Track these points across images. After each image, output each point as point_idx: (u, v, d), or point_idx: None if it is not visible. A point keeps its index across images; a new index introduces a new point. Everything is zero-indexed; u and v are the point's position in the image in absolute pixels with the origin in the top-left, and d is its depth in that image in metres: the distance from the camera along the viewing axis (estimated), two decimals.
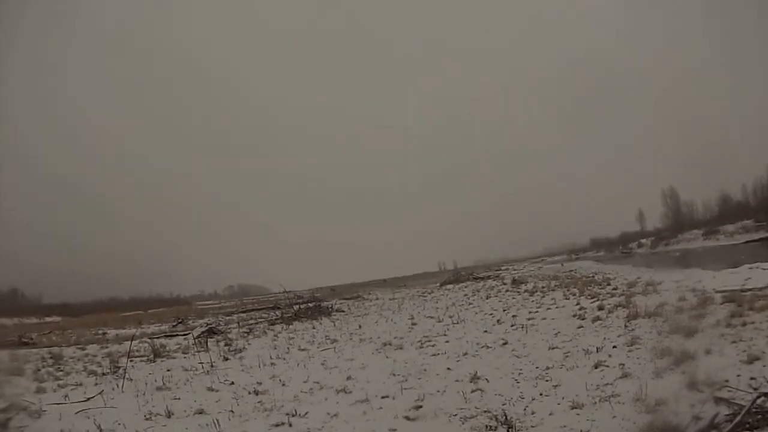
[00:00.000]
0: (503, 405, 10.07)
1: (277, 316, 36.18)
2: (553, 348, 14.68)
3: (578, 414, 9.02)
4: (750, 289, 17.79)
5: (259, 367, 17.19)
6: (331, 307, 39.16)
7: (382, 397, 11.78)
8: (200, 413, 11.80)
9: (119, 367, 17.61)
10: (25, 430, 11.16)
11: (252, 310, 49.54)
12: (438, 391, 11.79)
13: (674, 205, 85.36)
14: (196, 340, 24.89)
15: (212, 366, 17.61)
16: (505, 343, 16.49)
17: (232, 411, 11.73)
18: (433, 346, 17.98)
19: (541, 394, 10.57)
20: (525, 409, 9.72)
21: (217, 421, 10.89)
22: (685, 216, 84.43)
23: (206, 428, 10.60)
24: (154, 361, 19.85)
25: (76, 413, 12.33)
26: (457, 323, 22.96)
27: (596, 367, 11.75)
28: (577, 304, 22.13)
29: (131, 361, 19.00)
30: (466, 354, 15.78)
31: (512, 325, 19.94)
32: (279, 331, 28.07)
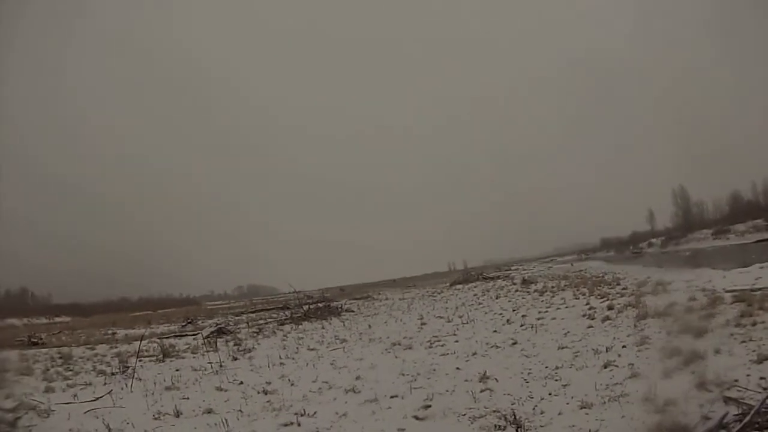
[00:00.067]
0: (512, 404, 10.05)
1: (286, 316, 36.16)
2: (563, 348, 14.66)
3: (587, 414, 8.99)
4: (760, 289, 17.72)
5: (268, 366, 17.19)
6: (341, 307, 39.12)
7: (391, 397, 11.76)
8: (209, 413, 11.79)
9: (128, 367, 17.63)
10: (34, 429, 11.18)
11: (261, 310, 49.56)
12: (447, 391, 11.77)
13: (684, 204, 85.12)
14: (206, 340, 24.91)
15: (221, 366, 17.62)
16: (515, 343, 16.47)
17: (240, 410, 11.74)
18: (442, 345, 17.97)
19: (550, 394, 10.55)
20: (534, 409, 9.70)
21: (226, 420, 10.90)
22: (696, 215, 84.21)
23: (215, 428, 10.61)
24: (163, 361, 19.87)
25: (84, 413, 12.34)
26: (467, 323, 22.93)
27: (606, 367, 11.71)
28: (587, 303, 22.09)
29: (140, 360, 19.04)
30: (475, 354, 15.76)
31: (522, 325, 19.92)
32: (288, 331, 28.07)
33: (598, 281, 32.10)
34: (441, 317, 26.77)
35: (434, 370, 14.27)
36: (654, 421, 7.93)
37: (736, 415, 7.28)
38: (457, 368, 14.07)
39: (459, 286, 51.34)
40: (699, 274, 25.36)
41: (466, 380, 12.52)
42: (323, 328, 28.77)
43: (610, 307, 19.53)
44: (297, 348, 21.19)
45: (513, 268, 78.69)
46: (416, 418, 10.16)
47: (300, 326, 30.47)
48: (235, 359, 19.27)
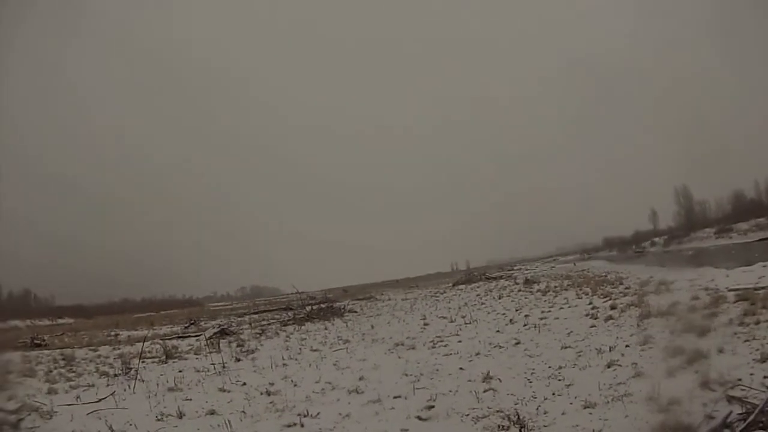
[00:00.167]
0: (516, 404, 10.05)
1: (289, 317, 36.11)
2: (566, 347, 14.65)
3: (591, 413, 8.98)
4: (763, 288, 17.72)
5: (271, 367, 17.21)
6: (344, 308, 39.10)
7: (395, 397, 11.76)
8: (212, 414, 11.81)
9: (131, 369, 17.70)
10: (37, 430, 11.22)
11: (264, 311, 49.60)
12: (450, 391, 11.76)
13: (687, 203, 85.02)
14: (208, 341, 24.96)
15: (224, 367, 17.61)
16: (518, 343, 16.47)
17: (243, 412, 11.75)
18: (445, 346, 17.97)
19: (553, 394, 10.53)
20: (537, 409, 9.69)
21: (229, 421, 10.89)
22: (698, 214, 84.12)
23: (218, 429, 10.61)
24: (166, 362, 19.91)
25: (87, 414, 12.39)
26: (470, 323, 22.92)
27: (609, 367, 11.70)
28: (590, 303, 22.13)
29: (143, 362, 19.07)
30: (478, 354, 15.76)
31: (525, 325, 19.90)
32: (291, 332, 28.06)
33: (600, 281, 32.19)
34: (444, 317, 26.75)
35: (437, 370, 14.27)
36: (657, 420, 7.91)
37: (740, 414, 7.27)
38: (461, 368, 14.06)
39: (462, 287, 51.35)
40: (702, 273, 25.33)
41: (470, 380, 12.52)
42: (326, 328, 28.77)
43: (613, 307, 19.54)
44: (300, 349, 21.20)
45: (515, 267, 78.79)
46: (419, 418, 10.16)
47: (303, 327, 30.45)
48: (238, 360, 19.29)
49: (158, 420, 11.64)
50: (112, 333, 38.89)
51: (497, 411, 9.76)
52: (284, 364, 17.67)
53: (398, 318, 30.27)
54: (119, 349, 25.26)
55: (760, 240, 57.17)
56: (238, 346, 23.16)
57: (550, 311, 22.38)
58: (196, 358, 20.52)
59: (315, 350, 20.52)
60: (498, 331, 19.68)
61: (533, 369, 12.86)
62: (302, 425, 10.42)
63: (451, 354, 16.40)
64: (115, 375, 17.55)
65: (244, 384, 14.93)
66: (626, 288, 25.32)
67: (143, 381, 16.18)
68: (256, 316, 44.27)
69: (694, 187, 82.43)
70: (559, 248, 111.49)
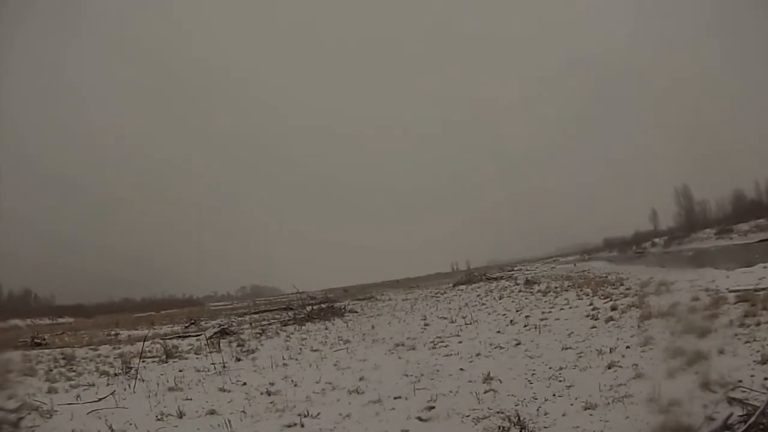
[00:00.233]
0: (516, 405, 10.06)
1: (289, 316, 36.11)
2: (567, 348, 14.66)
3: (591, 414, 8.99)
4: (764, 289, 17.74)
5: (272, 367, 17.23)
6: (344, 308, 39.11)
7: (395, 398, 11.78)
8: (212, 414, 11.84)
9: (131, 368, 17.74)
10: (37, 430, 11.23)
11: (265, 311, 49.57)
12: (451, 392, 11.77)
13: (687, 203, 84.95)
14: (209, 341, 24.97)
15: (224, 367, 17.64)
16: (518, 344, 16.48)
17: (244, 411, 11.77)
18: (445, 346, 17.98)
19: (554, 395, 10.54)
20: (538, 410, 9.70)
21: (229, 421, 10.90)
22: (699, 215, 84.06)
23: (218, 429, 10.63)
24: (166, 362, 19.94)
25: (87, 413, 12.42)
26: (470, 324, 22.91)
27: (609, 368, 11.70)
28: (591, 304, 22.12)
29: (143, 361, 19.10)
30: (479, 354, 15.77)
31: (525, 326, 19.90)
32: (291, 332, 28.09)
33: (601, 281, 32.20)
34: (444, 318, 26.78)
35: (438, 371, 14.27)
36: (658, 421, 7.92)
37: (741, 415, 7.27)
38: (461, 369, 14.08)
39: (462, 287, 51.36)
40: (702, 274, 25.34)
41: (470, 381, 12.53)
42: (326, 328, 28.78)
43: (613, 308, 19.55)
44: (300, 349, 21.22)
45: (516, 268, 78.82)
46: (420, 419, 10.17)
47: (303, 327, 30.48)
48: (239, 360, 19.31)
49: (158, 420, 11.67)
50: (113, 332, 38.91)
51: (498, 412, 9.76)
52: (285, 364, 17.69)
53: (399, 318, 30.27)
54: (119, 348, 25.29)
55: (761, 241, 57.12)
56: (238, 345, 23.18)
57: (550, 312, 22.38)
58: (197, 358, 20.55)
59: (315, 350, 20.54)
60: (498, 331, 19.68)
61: (534, 370, 12.87)
62: (302, 425, 10.43)
63: (451, 354, 16.41)
64: (116, 374, 17.58)
65: (245, 384, 14.95)
66: (627, 289, 25.32)
67: (143, 380, 16.22)
68: (256, 315, 44.26)
69: (694, 187, 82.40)
70: (559, 249, 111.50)
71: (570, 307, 22.75)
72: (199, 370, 17.70)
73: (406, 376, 14.03)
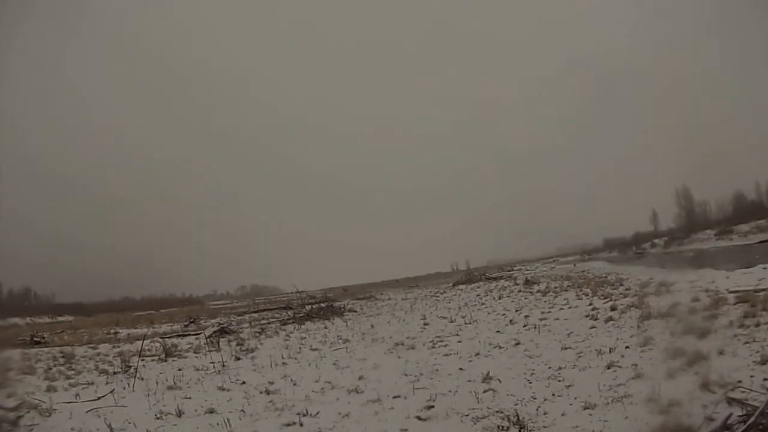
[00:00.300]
0: (515, 405, 10.08)
1: (289, 316, 36.12)
2: (566, 348, 14.68)
3: (590, 414, 9.00)
4: (764, 289, 17.73)
5: (271, 366, 17.22)
6: (344, 307, 39.13)
7: (394, 397, 11.78)
8: (211, 412, 11.83)
9: (130, 367, 17.72)
10: (36, 428, 11.22)
11: (264, 310, 49.51)
12: (450, 391, 11.78)
13: (687, 204, 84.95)
14: (208, 340, 24.98)
15: (224, 365, 17.66)
16: (518, 344, 16.49)
17: (243, 410, 11.77)
18: (445, 346, 17.99)
19: (553, 395, 10.55)
20: (537, 410, 9.71)
21: (228, 420, 10.91)
22: (699, 216, 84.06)
23: (217, 428, 10.63)
24: (166, 361, 19.92)
25: (86, 412, 12.41)
26: (470, 323, 22.95)
27: (609, 368, 11.71)
28: (590, 304, 22.15)
29: (142, 360, 19.09)
30: (478, 354, 15.78)
31: (525, 326, 19.93)
32: (291, 331, 28.09)
33: (600, 282, 32.24)
34: (444, 317, 26.79)
35: (437, 370, 14.28)
36: (658, 422, 7.92)
37: (740, 416, 7.28)
38: (460, 369, 14.08)
39: (462, 287, 51.40)
40: (702, 274, 25.34)
41: (469, 381, 12.54)
42: (326, 328, 28.78)
43: (613, 308, 19.58)
44: (300, 348, 21.22)
45: (516, 268, 78.89)
46: (419, 418, 10.18)
47: (303, 326, 30.48)
48: (238, 359, 19.31)
49: (157, 418, 11.66)
50: (112, 331, 38.87)
51: (497, 411, 9.78)
52: (284, 363, 17.69)
53: (398, 318, 30.29)
54: (119, 347, 25.24)
55: (761, 242, 57.16)
56: (237, 344, 23.17)
57: (550, 312, 22.42)
58: (196, 357, 20.54)
59: (315, 349, 20.54)
60: (498, 331, 19.70)
61: (533, 370, 12.88)
62: (301, 424, 10.44)
63: (450, 354, 16.42)
64: (115, 373, 17.57)
65: (244, 383, 14.95)
66: (626, 289, 25.34)
67: (143, 379, 16.22)
68: (255, 314, 44.11)
69: (695, 187, 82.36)
70: (559, 249, 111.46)
71: (569, 307, 22.78)
72: (198, 369, 17.70)
73: (406, 375, 14.03)
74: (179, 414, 11.77)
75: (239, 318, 41.29)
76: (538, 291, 33.23)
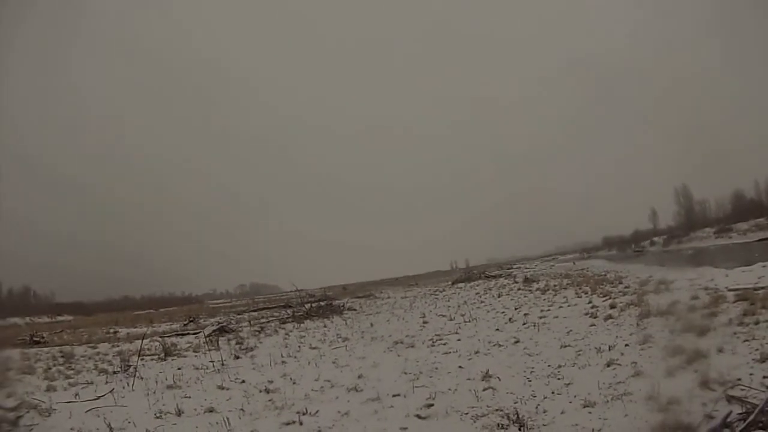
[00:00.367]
0: (515, 403, 10.07)
1: (288, 314, 36.13)
2: (565, 346, 14.68)
3: (590, 412, 9.00)
4: (763, 288, 17.73)
5: (270, 365, 17.21)
6: (343, 306, 39.20)
7: (394, 396, 11.77)
8: (210, 412, 11.81)
9: (130, 366, 17.69)
10: (36, 428, 11.21)
11: (263, 308, 49.49)
12: (449, 390, 11.78)
13: (687, 203, 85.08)
14: (207, 339, 24.94)
15: (223, 364, 17.66)
16: (517, 342, 16.51)
17: (242, 409, 11.75)
18: (444, 344, 17.99)
19: (552, 393, 10.55)
20: (537, 408, 9.70)
21: (228, 419, 10.91)
22: (698, 214, 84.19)
23: (216, 427, 10.60)
24: (165, 360, 19.90)
25: (86, 411, 12.41)
26: (469, 321, 22.98)
27: (608, 366, 11.73)
28: (589, 302, 22.19)
29: (142, 359, 19.08)
30: (477, 352, 15.78)
31: (524, 324, 19.96)
32: (290, 330, 28.08)
33: (600, 280, 32.25)
34: (443, 316, 26.84)
35: (436, 368, 14.28)
36: (657, 419, 7.92)
37: (740, 414, 7.28)
38: (460, 367, 14.09)
39: (461, 285, 51.49)
40: (701, 272, 25.39)
41: (469, 379, 12.54)
42: (325, 326, 28.79)
43: (612, 306, 19.60)
44: (299, 346, 21.22)
45: (515, 266, 79.02)
46: (419, 416, 10.17)
47: (302, 325, 30.50)
48: (237, 358, 19.31)
49: (157, 418, 11.65)
50: (112, 330, 38.88)
51: (496, 410, 9.79)
52: (283, 362, 17.68)
53: (398, 316, 30.33)
54: (118, 346, 25.21)
55: (760, 240, 57.29)
56: (237, 343, 23.15)
57: (549, 310, 22.46)
58: (195, 356, 20.51)
59: (314, 348, 20.53)
60: (497, 329, 19.74)
61: (532, 368, 12.89)
62: (301, 423, 10.43)
63: (450, 352, 16.42)
64: (114, 372, 17.56)
65: (243, 382, 14.94)
66: (626, 287, 25.33)
67: (142, 378, 16.20)
68: (255, 313, 44.08)
69: (695, 187, 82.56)
70: (558, 247, 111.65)
71: (569, 305, 22.79)
72: (197, 368, 17.68)
73: (405, 373, 14.02)
74: (179, 413, 11.77)
75: (239, 317, 41.22)
76: (538, 289, 33.24)
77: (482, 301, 32.31)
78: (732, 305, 15.71)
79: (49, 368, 19.23)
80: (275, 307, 46.64)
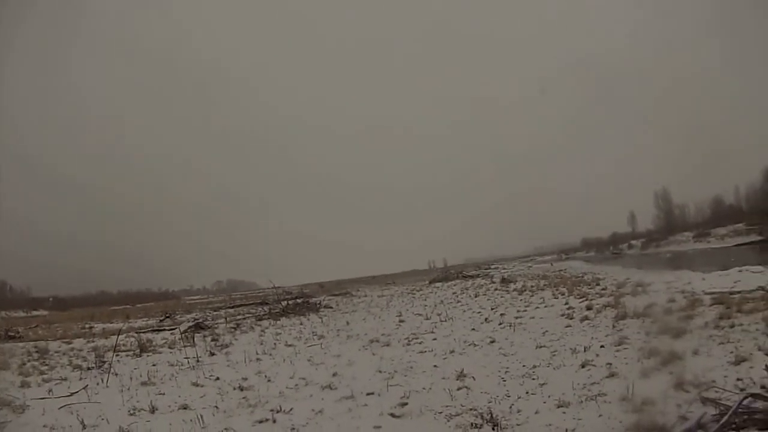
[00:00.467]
0: (489, 403, 10.03)
1: (264, 311, 36.05)
2: (541, 347, 14.68)
3: (564, 413, 8.98)
4: (739, 292, 17.83)
5: (245, 362, 17.17)
6: (319, 304, 39.38)
7: (368, 394, 11.74)
8: (185, 409, 11.73)
9: (104, 362, 17.59)
10: (9, 425, 11.11)
11: (240, 305, 49.59)
12: (424, 389, 11.76)
13: (666, 206, 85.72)
14: (183, 335, 24.82)
15: (198, 361, 17.57)
16: (493, 342, 16.50)
17: (216, 407, 11.70)
18: (420, 343, 18.01)
19: (527, 393, 10.53)
20: (511, 407, 9.68)
21: (201, 417, 10.81)
22: (677, 218, 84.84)
23: (190, 424, 10.51)
24: (140, 356, 19.81)
25: (59, 408, 12.31)
26: (445, 321, 23.01)
27: (583, 366, 11.73)
28: (566, 303, 22.24)
29: (117, 355, 18.98)
30: (453, 352, 15.78)
31: (500, 324, 19.97)
32: (266, 327, 28.11)
33: (577, 281, 32.45)
34: (419, 315, 26.90)
35: (411, 367, 14.27)
36: (631, 420, 7.93)
37: (714, 415, 7.28)
38: (435, 366, 14.09)
39: (438, 284, 51.76)
40: (679, 275, 25.59)
41: (444, 378, 12.52)
42: (301, 324, 28.82)
43: (588, 307, 19.66)
44: (274, 344, 21.17)
45: (493, 267, 79.59)
46: (393, 415, 10.13)
47: (278, 322, 30.56)
48: (212, 354, 19.25)
49: (131, 414, 11.56)
50: (87, 325, 38.70)
51: (471, 409, 9.75)
52: (258, 359, 17.65)
53: (374, 314, 30.48)
54: (93, 342, 25.07)
55: (737, 245, 57.91)
56: (212, 340, 23.12)
57: (525, 310, 22.52)
58: (171, 352, 20.45)
59: (289, 345, 20.51)
60: (473, 329, 19.75)
61: (507, 368, 12.88)
62: (275, 421, 10.37)
63: (425, 351, 16.44)
64: (89, 368, 17.45)
65: (218, 379, 14.89)
66: (603, 289, 25.49)
67: (116, 375, 16.12)
68: (231, 310, 44.13)
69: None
70: (537, 248, 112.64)
71: (545, 306, 22.86)
72: (172, 365, 17.62)
73: (380, 372, 14.01)
74: (153, 410, 11.67)
75: (215, 313, 41.17)
76: (515, 289, 33.40)
77: (459, 301, 32.45)
78: (708, 308, 15.76)
79: (24, 364, 19.08)
80: (251, 304, 46.70)
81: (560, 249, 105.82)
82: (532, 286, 33.10)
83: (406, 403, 10.64)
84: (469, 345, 16.50)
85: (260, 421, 10.41)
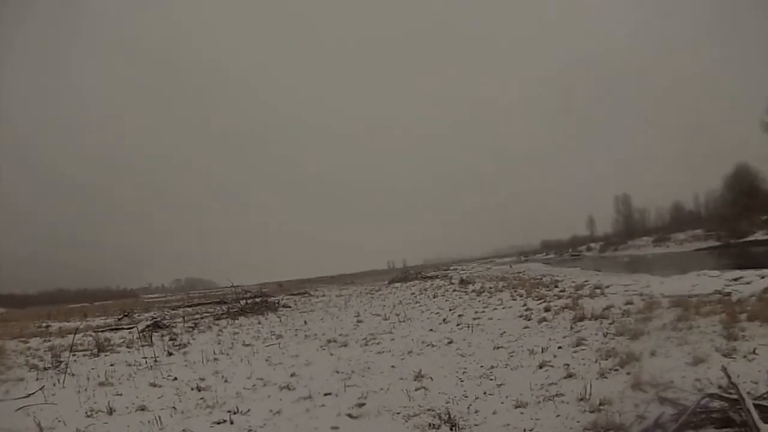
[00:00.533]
0: (447, 403, 10.08)
1: (223, 310, 36.05)
2: (498, 348, 14.77)
3: (522, 413, 9.03)
4: (696, 295, 18.06)
5: (203, 362, 17.06)
6: (278, 303, 39.52)
7: (326, 395, 11.73)
8: (142, 410, 11.57)
9: (61, 362, 17.36)
10: None
11: (198, 304, 49.63)
12: (382, 389, 11.76)
13: (626, 211, 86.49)
14: (141, 334, 24.67)
15: (156, 361, 17.45)
16: (451, 342, 16.57)
17: (174, 408, 11.56)
18: (378, 343, 18.03)
19: (485, 393, 10.57)
20: (468, 408, 9.71)
21: (159, 418, 10.70)
22: (637, 222, 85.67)
23: (148, 425, 10.40)
24: (98, 356, 19.58)
25: (16, 410, 12.09)
26: (403, 321, 23.10)
27: (541, 367, 11.81)
28: (524, 305, 22.46)
29: (74, 355, 18.77)
30: (411, 352, 15.81)
31: (458, 325, 20.09)
32: (224, 326, 28.08)
33: (536, 283, 32.87)
34: (378, 315, 27.00)
35: (369, 368, 14.28)
36: (589, 420, 7.97)
37: (672, 414, 7.34)
38: (393, 366, 14.12)
39: (397, 285, 52.21)
40: (637, 279, 26.01)
41: (401, 378, 12.55)
42: (259, 323, 28.81)
43: (546, 309, 19.90)
44: (232, 343, 21.07)
45: (452, 268, 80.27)
46: (350, 416, 10.11)
47: (236, 321, 30.55)
48: (170, 354, 19.09)
49: (88, 416, 11.39)
50: (44, 324, 38.30)
51: (428, 409, 9.80)
52: (216, 359, 17.54)
53: (332, 314, 30.54)
54: (50, 341, 24.84)
55: (696, 250, 58.76)
56: (170, 339, 22.99)
57: (483, 312, 22.66)
58: (128, 352, 20.23)
59: (247, 345, 20.40)
60: (431, 330, 19.85)
61: (465, 368, 12.94)
62: (232, 422, 10.29)
63: (383, 352, 16.45)
64: (45, 368, 17.20)
65: (176, 379, 14.76)
66: (561, 291, 25.80)
67: (74, 375, 15.89)
68: (189, 309, 44.10)
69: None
70: (496, 250, 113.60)
71: (503, 308, 23.05)
72: (130, 365, 17.43)
73: (338, 372, 14.01)
74: (110, 411, 11.51)
75: (173, 312, 41.03)
76: (473, 291, 33.78)
77: (417, 302, 32.69)
78: (666, 311, 15.96)
79: None
80: (210, 303, 46.74)
81: (520, 251, 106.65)
82: (490, 288, 33.49)
83: (364, 404, 10.62)
84: (427, 345, 16.55)
85: (218, 423, 10.32)
